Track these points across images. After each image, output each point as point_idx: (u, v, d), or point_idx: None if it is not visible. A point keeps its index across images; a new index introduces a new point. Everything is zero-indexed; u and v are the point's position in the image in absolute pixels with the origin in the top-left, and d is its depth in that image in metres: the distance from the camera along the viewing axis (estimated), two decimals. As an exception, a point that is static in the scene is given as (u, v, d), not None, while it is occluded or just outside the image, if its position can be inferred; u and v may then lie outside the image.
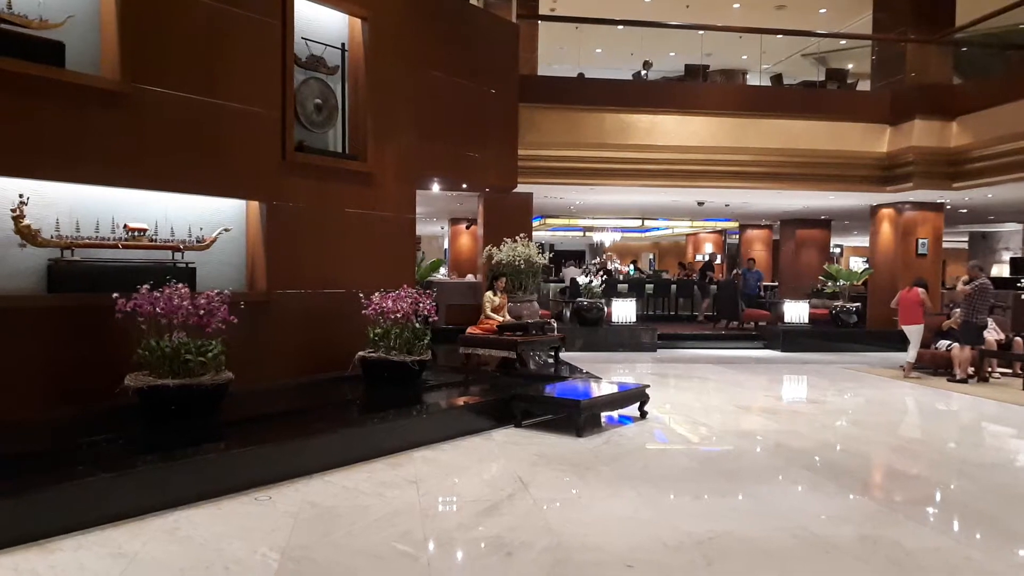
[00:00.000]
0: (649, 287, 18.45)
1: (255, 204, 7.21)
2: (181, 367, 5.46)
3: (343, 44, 8.02)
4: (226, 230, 7.05)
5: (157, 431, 5.33)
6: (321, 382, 7.30)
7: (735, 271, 18.43)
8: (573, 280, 15.38)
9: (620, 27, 14.94)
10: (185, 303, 5.52)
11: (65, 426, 5.37)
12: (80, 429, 5.26)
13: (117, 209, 6.39)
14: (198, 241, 6.87)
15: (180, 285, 5.66)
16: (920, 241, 14.36)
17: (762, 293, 16.69)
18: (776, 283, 20.65)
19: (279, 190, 7.19)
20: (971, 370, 10.16)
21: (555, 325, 10.58)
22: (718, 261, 24.31)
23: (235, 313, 5.80)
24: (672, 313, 18.43)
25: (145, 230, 6.51)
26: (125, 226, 6.39)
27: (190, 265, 6.74)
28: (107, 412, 5.58)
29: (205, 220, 7.00)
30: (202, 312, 5.59)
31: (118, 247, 6.34)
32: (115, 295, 5.44)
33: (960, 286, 10.45)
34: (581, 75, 15.23)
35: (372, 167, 8.04)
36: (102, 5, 6.12)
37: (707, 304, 17.84)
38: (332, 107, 7.92)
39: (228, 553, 3.77)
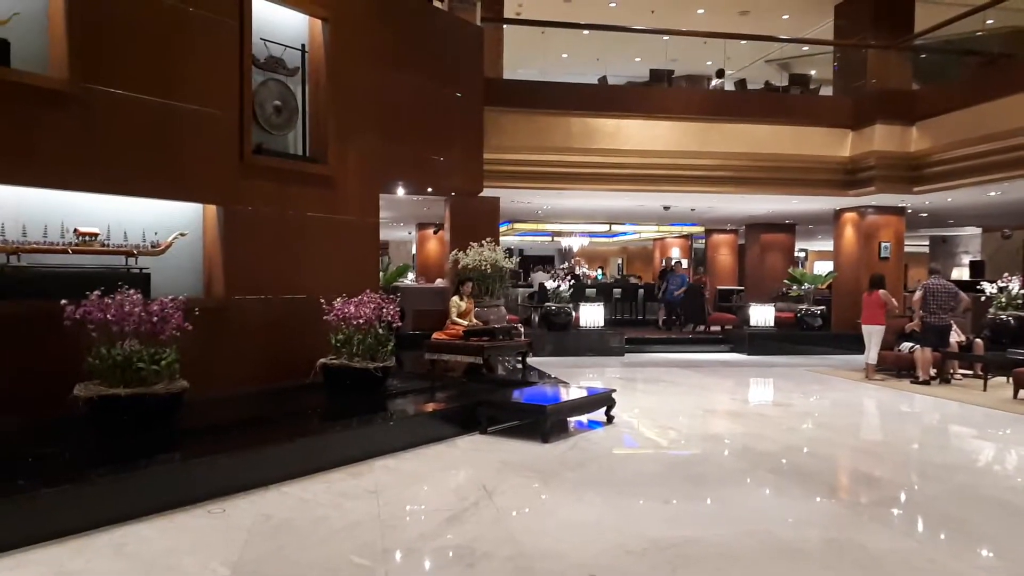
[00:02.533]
0: (617, 292, 18.48)
1: (212, 208, 7.03)
2: (133, 376, 5.26)
3: (303, 45, 7.87)
4: (182, 235, 6.85)
5: (107, 442, 5.13)
6: (281, 390, 7.11)
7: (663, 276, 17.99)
8: (541, 285, 15.32)
9: (586, 32, 14.93)
10: (137, 310, 5.33)
11: (10, 437, 5.13)
12: (26, 441, 5.06)
13: (67, 213, 6.17)
14: (152, 246, 6.67)
15: (132, 291, 5.47)
16: (883, 244, 14.53)
17: (701, 296, 16.52)
18: (742, 287, 20.80)
19: (237, 193, 7.01)
20: (933, 371, 10.27)
21: (522, 330, 10.52)
22: (684, 265, 24.41)
23: (191, 320, 5.61)
24: (640, 317, 18.46)
25: (96, 234, 6.29)
26: (75, 230, 6.18)
27: (144, 271, 6.52)
28: (56, 423, 5.35)
29: (160, 224, 6.80)
30: (155, 319, 5.40)
31: (68, 252, 6.12)
32: (64, 302, 5.23)
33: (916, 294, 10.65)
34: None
35: (334, 170, 7.89)
36: (50, 3, 5.91)
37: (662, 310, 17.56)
38: (292, 109, 7.76)
39: (177, 569, 3.61)
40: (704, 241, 23.85)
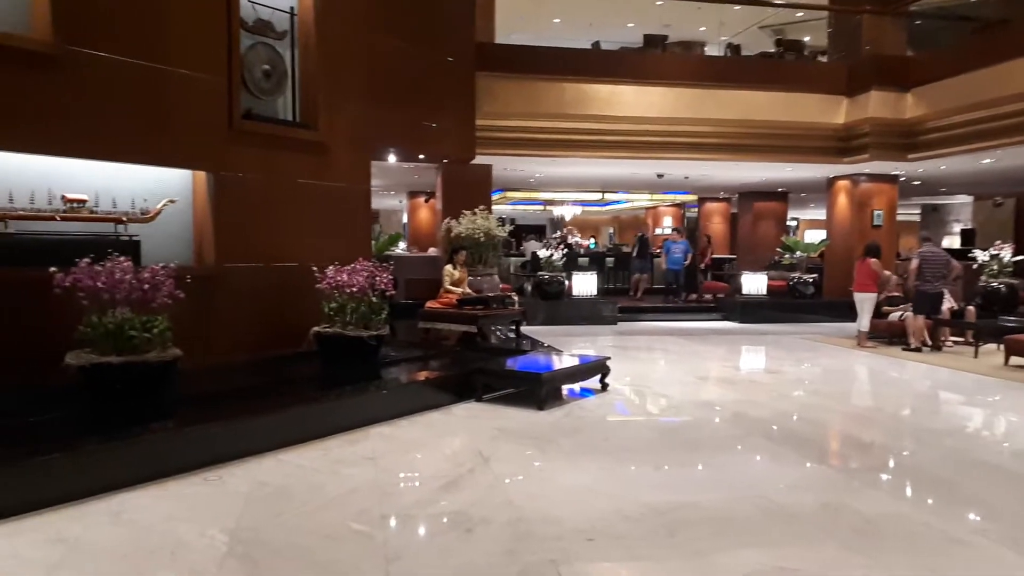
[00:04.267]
0: (610, 260, 18.43)
1: (201, 174, 6.94)
2: (125, 344, 5.22)
3: (292, 8, 7.72)
4: (171, 201, 6.76)
5: (100, 410, 5.10)
6: (274, 359, 7.08)
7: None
8: (534, 254, 15.27)
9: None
10: (128, 277, 5.27)
11: (3, 405, 5.10)
12: (18, 408, 5.01)
13: (53, 179, 6.08)
14: (142, 213, 6.59)
15: (123, 259, 5.40)
16: (875, 213, 14.53)
17: (694, 264, 16.25)
18: (734, 255, 20.79)
19: (226, 159, 6.91)
20: (925, 338, 10.32)
21: (516, 299, 10.48)
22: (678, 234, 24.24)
23: (182, 288, 5.55)
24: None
25: (84, 201, 6.21)
26: (63, 197, 6.09)
27: (134, 238, 6.46)
28: (48, 391, 5.31)
29: (149, 191, 6.71)
30: (146, 287, 5.34)
31: (55, 219, 6.04)
32: (53, 269, 5.16)
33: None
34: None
35: (324, 136, 7.78)
36: (32, -38, 5.76)
37: (638, 279, 16.96)
38: (281, 73, 7.63)
39: (174, 536, 3.60)
40: (697, 210, 23.77)
